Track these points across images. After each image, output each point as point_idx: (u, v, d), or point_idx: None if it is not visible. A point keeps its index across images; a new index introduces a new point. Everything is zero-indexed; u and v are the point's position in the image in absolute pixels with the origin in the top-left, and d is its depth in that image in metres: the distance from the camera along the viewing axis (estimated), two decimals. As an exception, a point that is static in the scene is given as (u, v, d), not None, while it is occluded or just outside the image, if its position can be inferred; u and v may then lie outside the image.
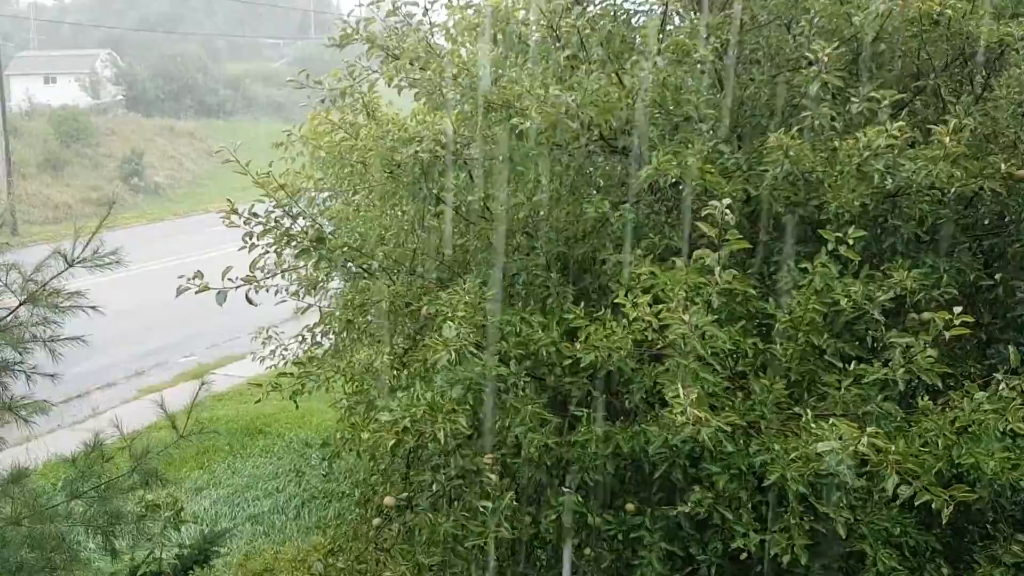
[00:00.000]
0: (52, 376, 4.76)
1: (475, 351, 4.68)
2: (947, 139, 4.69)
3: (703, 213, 4.53)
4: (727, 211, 4.38)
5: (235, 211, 5.57)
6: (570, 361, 4.86)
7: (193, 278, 5.42)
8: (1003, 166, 4.90)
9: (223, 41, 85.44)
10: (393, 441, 4.42)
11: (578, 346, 4.74)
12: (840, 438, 4.03)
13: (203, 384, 5.67)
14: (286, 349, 8.20)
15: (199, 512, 9.83)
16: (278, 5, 78.35)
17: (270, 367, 8.24)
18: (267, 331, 8.50)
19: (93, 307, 4.67)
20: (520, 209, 5.58)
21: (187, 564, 5.84)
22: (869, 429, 4.06)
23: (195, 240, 26.96)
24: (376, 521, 5.73)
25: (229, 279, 5.50)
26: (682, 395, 4.08)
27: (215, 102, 64.12)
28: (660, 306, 4.41)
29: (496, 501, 4.89)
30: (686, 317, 4.26)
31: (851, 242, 4.55)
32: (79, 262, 4.53)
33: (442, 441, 4.43)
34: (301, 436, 12.28)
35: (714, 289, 4.40)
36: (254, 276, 5.62)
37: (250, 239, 5.70)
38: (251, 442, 12.27)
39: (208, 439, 11.78)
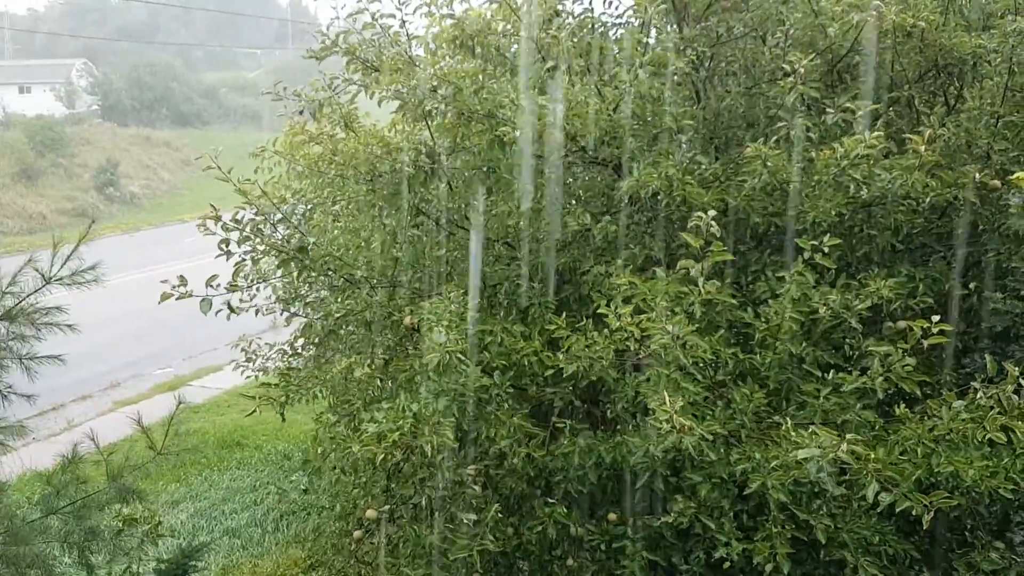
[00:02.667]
0: (29, 397, 4.69)
1: (462, 358, 4.68)
2: (922, 148, 4.75)
3: (689, 224, 4.56)
4: (712, 223, 4.42)
5: (218, 218, 5.54)
6: (552, 371, 4.86)
7: (177, 286, 5.38)
8: (977, 175, 4.96)
9: (200, 51, 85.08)
10: (383, 455, 4.40)
11: (560, 356, 4.75)
12: (820, 445, 4.06)
13: (180, 404, 5.61)
14: (268, 359, 8.15)
15: (176, 526, 9.73)
16: (255, 15, 78.13)
17: (249, 376, 8.18)
18: (249, 342, 8.44)
19: (70, 325, 4.60)
20: (501, 220, 5.59)
21: (165, 578, 5.78)
22: (849, 436, 4.09)
23: (171, 251, 26.80)
24: (357, 534, 5.71)
25: (211, 286, 5.47)
26: (668, 403, 4.10)
27: (191, 112, 63.79)
28: (642, 316, 4.43)
29: (481, 513, 4.89)
30: (669, 327, 4.28)
31: (826, 250, 4.59)
32: (56, 279, 4.46)
33: (429, 454, 4.42)
34: (279, 448, 12.19)
35: (697, 299, 4.43)
36: (236, 284, 5.59)
37: (226, 246, 5.66)
38: (228, 454, 12.16)
39: (185, 453, 11.67)
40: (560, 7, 6.12)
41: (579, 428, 5.06)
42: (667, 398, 4.13)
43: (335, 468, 5.96)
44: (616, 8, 6.35)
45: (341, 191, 6.48)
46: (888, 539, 4.56)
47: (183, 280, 5.42)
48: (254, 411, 6.41)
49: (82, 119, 55.12)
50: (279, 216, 5.84)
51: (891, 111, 5.82)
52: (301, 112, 6.42)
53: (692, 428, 4.07)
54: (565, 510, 5.04)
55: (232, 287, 5.61)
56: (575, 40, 5.86)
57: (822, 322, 4.69)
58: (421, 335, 4.84)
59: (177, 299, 5.42)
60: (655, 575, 5.02)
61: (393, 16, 6.13)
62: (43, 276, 4.47)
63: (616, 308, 4.55)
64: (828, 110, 5.13)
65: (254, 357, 7.72)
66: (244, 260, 5.78)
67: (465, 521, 4.91)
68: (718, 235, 4.45)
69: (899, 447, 4.31)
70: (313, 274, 5.84)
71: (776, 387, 4.83)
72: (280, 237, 5.76)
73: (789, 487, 4.32)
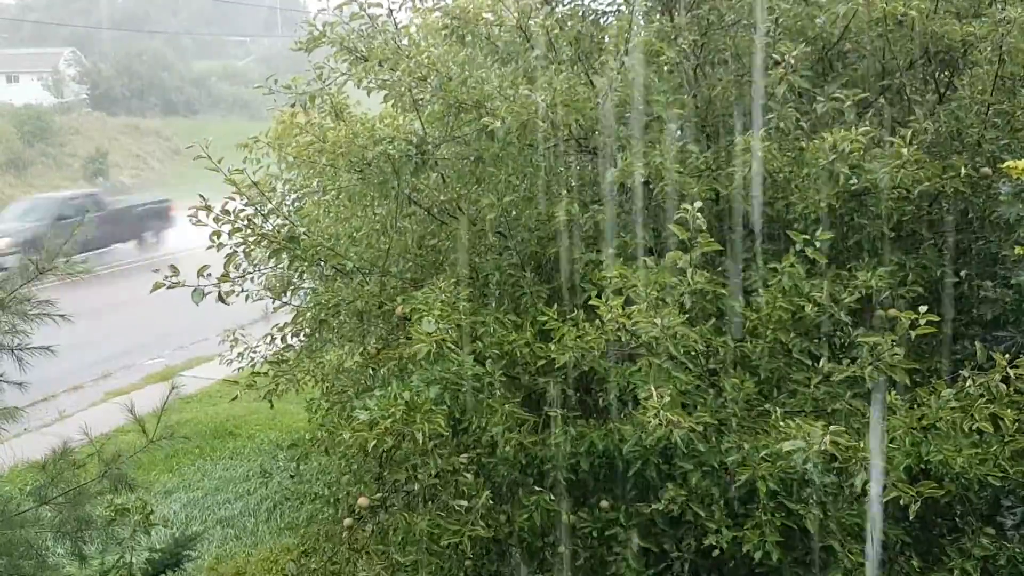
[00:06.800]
0: (20, 385, 4.69)
1: (453, 347, 4.68)
2: (904, 150, 4.78)
3: (675, 216, 4.57)
4: (698, 215, 4.43)
5: (208, 208, 5.50)
6: (544, 361, 4.87)
7: (170, 276, 5.35)
8: (963, 169, 4.98)
9: (188, 39, 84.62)
10: (374, 442, 4.41)
11: (552, 347, 4.76)
12: (806, 437, 4.09)
13: (173, 388, 5.62)
14: (255, 351, 8.14)
15: (169, 516, 9.72)
16: (244, 2, 77.73)
17: (239, 369, 8.17)
18: (234, 333, 8.43)
19: (62, 315, 4.62)
20: (492, 209, 5.59)
21: (158, 568, 5.78)
22: (832, 427, 4.11)
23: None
24: (347, 521, 5.71)
25: (202, 276, 5.44)
26: (655, 397, 4.11)
27: (181, 100, 63.48)
28: (633, 308, 4.44)
29: (472, 500, 4.90)
30: (657, 321, 4.29)
31: (818, 244, 4.61)
32: (49, 270, 4.47)
33: (420, 441, 4.43)
34: (272, 438, 12.19)
35: (686, 290, 4.44)
36: (228, 275, 5.57)
37: (218, 238, 5.64)
38: (221, 444, 12.16)
39: (177, 442, 11.66)
40: (550, -5, 6.11)
41: (571, 416, 5.08)
42: (654, 392, 4.15)
43: (322, 453, 5.97)
44: (607, -4, 6.33)
45: (332, 180, 6.47)
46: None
47: (175, 270, 5.39)
48: (236, 397, 6.40)
49: (71, 108, 54.80)
50: (270, 206, 5.82)
51: (882, 99, 5.83)
52: (293, 105, 6.40)
53: (680, 421, 4.09)
54: (554, 497, 5.06)
55: (223, 278, 5.59)
56: (565, 28, 5.85)
57: (811, 312, 4.71)
58: (413, 324, 4.84)
59: (168, 288, 5.39)
60: (647, 562, 5.04)
61: (380, 5, 6.10)
62: (36, 266, 4.48)
63: (607, 299, 4.56)
64: (819, 99, 5.14)
65: (243, 350, 7.71)
66: (236, 252, 5.76)
67: (456, 508, 4.92)
68: (703, 227, 4.47)
69: (888, 435, 4.33)
70: (304, 264, 5.83)
71: (767, 376, 4.86)
72: (271, 227, 5.74)
73: (779, 476, 4.35)
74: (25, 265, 4.51)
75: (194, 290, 5.42)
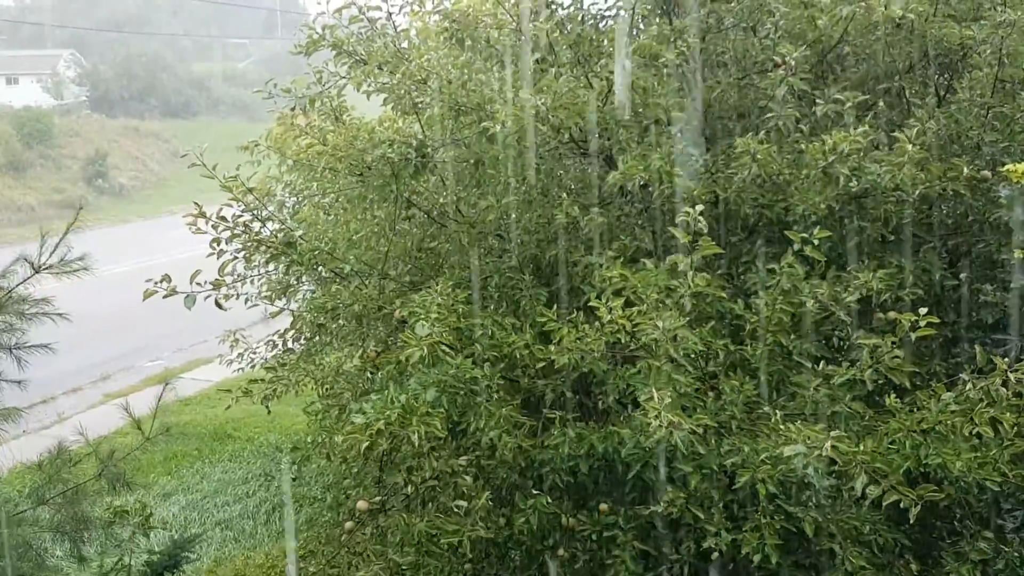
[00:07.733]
0: (19, 383, 4.68)
1: (448, 350, 4.67)
2: (910, 147, 4.77)
3: (676, 219, 4.57)
4: (699, 218, 4.43)
5: (203, 215, 5.51)
6: (544, 363, 4.87)
7: (160, 282, 5.35)
8: (965, 169, 4.98)
9: (188, 41, 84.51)
10: (367, 444, 4.40)
11: (552, 348, 4.75)
12: (806, 441, 4.08)
13: (167, 385, 5.62)
14: (255, 352, 8.15)
15: (168, 518, 9.72)
16: (244, 4, 77.67)
17: (238, 370, 8.17)
18: (234, 334, 8.42)
19: (60, 314, 4.61)
20: (491, 212, 5.59)
21: (157, 570, 5.78)
22: (834, 433, 4.11)
23: (161, 242, 26.65)
24: (348, 525, 5.70)
25: (198, 283, 5.44)
26: (656, 399, 4.11)
27: (180, 102, 63.36)
28: (633, 309, 4.44)
29: (471, 501, 4.90)
30: (659, 323, 4.29)
31: (816, 243, 4.60)
32: (46, 268, 4.46)
33: (416, 444, 4.42)
34: (271, 440, 12.19)
35: (687, 292, 4.44)
36: (223, 280, 5.57)
37: (218, 245, 5.65)
38: (220, 447, 12.16)
39: (176, 444, 11.68)
40: (550, -1, 6.10)
41: (570, 419, 5.07)
42: (655, 394, 4.14)
43: (322, 456, 5.96)
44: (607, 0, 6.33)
45: (331, 184, 6.47)
46: (878, 528, 4.59)
47: (167, 277, 5.39)
48: (229, 407, 6.39)
49: (70, 110, 54.74)
50: (266, 212, 5.82)
51: (881, 102, 5.83)
52: (293, 109, 6.39)
53: (681, 423, 4.09)
54: (554, 500, 5.05)
55: (217, 283, 5.59)
56: (565, 31, 5.85)
57: (811, 314, 4.70)
58: (409, 328, 4.83)
59: (164, 296, 5.40)
60: (646, 564, 5.04)
61: (379, 8, 6.11)
62: (32, 265, 4.47)
63: (607, 301, 4.55)
64: (818, 101, 5.14)
65: (243, 351, 7.72)
66: (236, 257, 5.77)
67: (455, 509, 4.91)
68: (705, 230, 4.47)
69: (888, 438, 4.33)
70: (301, 268, 5.83)
71: (767, 378, 4.85)
72: (269, 232, 5.74)
73: (778, 479, 4.34)
74: (21, 263, 4.50)
75: (186, 297, 5.42)
